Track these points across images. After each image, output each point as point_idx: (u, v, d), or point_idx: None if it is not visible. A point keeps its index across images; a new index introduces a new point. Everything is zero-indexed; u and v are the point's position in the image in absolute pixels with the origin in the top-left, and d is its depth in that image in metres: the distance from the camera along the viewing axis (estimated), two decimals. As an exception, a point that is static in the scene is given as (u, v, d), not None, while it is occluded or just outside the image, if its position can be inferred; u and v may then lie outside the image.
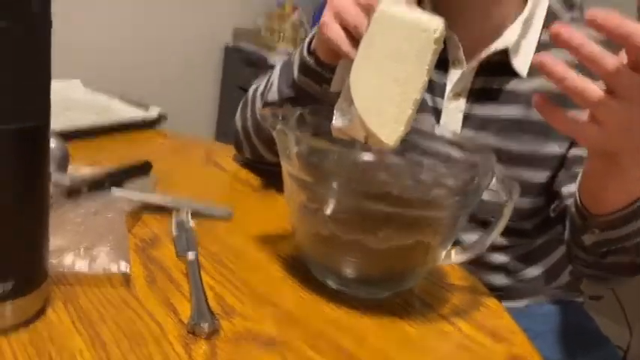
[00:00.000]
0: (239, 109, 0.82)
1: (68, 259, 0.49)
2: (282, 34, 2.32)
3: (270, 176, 0.78)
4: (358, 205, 0.50)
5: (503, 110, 0.76)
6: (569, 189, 0.74)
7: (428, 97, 0.79)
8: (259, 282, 0.53)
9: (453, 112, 0.78)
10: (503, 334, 0.52)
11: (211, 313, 0.46)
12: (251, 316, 0.48)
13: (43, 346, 0.40)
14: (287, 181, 0.55)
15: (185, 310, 0.46)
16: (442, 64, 0.78)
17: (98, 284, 0.49)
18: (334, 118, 0.55)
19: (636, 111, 0.48)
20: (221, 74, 2.45)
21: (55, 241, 0.45)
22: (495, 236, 0.54)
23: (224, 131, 2.26)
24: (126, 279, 0.50)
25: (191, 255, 0.54)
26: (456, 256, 0.56)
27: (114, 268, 0.49)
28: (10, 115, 0.36)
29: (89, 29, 2.04)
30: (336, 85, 0.60)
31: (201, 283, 0.50)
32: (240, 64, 2.32)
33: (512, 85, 0.75)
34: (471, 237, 0.72)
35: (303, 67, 0.69)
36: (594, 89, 0.47)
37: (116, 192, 0.62)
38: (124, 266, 0.50)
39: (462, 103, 0.77)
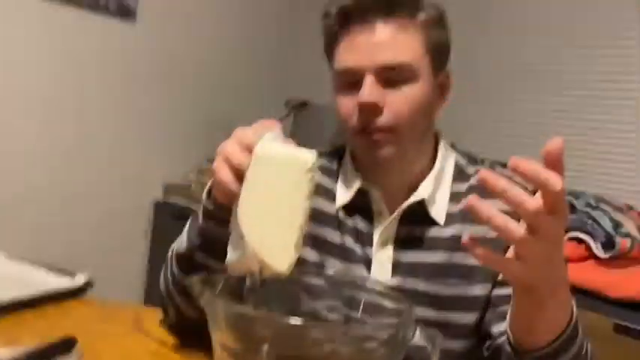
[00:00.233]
0: (162, 271, 0.82)
1: None
2: (212, 188, 2.36)
3: (198, 341, 0.76)
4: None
5: (427, 256, 0.81)
6: (499, 328, 0.77)
7: (358, 248, 0.84)
8: None
9: (383, 261, 0.82)
10: None
11: None
12: None
13: None
14: (217, 351, 0.55)
15: None
16: (368, 215, 0.85)
17: None
18: (228, 254, 0.58)
19: (554, 248, 0.54)
20: (151, 230, 2.43)
21: None
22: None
23: (154, 289, 2.19)
24: None
25: None
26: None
27: None
28: None
29: (5, 188, 2.00)
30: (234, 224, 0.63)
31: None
32: (171, 220, 2.32)
33: (433, 232, 0.82)
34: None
35: (206, 213, 0.72)
36: (518, 228, 0.53)
37: (36, 375, 0.59)
38: None
39: (389, 252, 0.82)
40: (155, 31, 2.30)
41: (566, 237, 1.33)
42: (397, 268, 0.82)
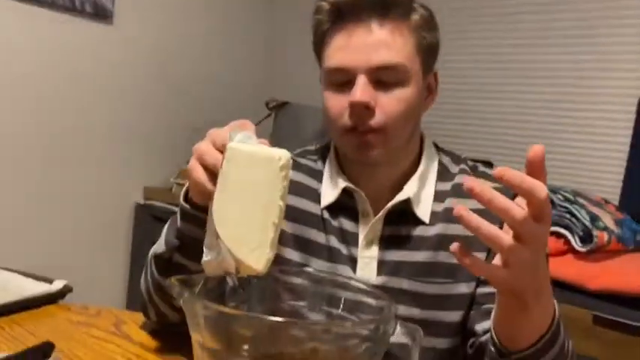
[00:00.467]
0: (142, 274, 0.82)
1: None
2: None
3: (179, 344, 0.76)
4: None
5: (412, 255, 0.82)
6: (483, 326, 0.78)
7: (343, 248, 0.84)
8: None
9: (368, 260, 0.82)
10: None
11: None
12: None
13: None
14: (197, 351, 0.54)
15: None
16: (353, 215, 0.85)
17: None
18: (204, 254, 0.58)
19: (539, 255, 0.55)
20: (132, 233, 2.42)
21: None
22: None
23: (136, 292, 2.17)
24: None
25: None
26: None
27: None
28: None
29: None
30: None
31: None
32: (152, 222, 2.31)
33: (418, 231, 0.82)
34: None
35: (183, 214, 0.72)
36: (505, 237, 0.53)
37: (13, 381, 0.58)
38: None
39: (374, 251, 0.82)
40: (133, 32, 2.28)
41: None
42: (382, 267, 0.82)
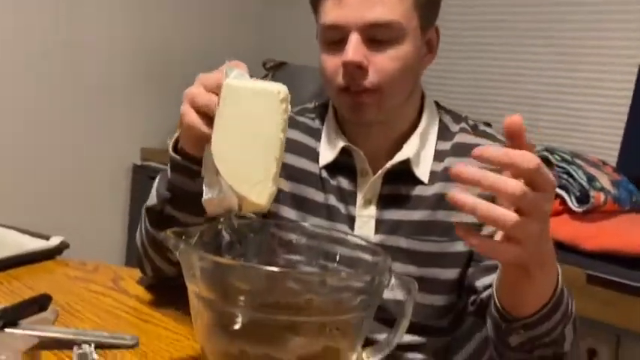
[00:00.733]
0: (137, 229, 0.82)
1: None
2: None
3: (176, 297, 0.76)
4: (267, 317, 0.51)
5: (410, 214, 0.81)
6: (483, 282, 0.78)
7: (341, 206, 0.84)
8: (169, 411, 0.51)
9: (366, 219, 0.82)
10: None
11: None
12: None
13: None
14: (193, 302, 0.55)
15: None
16: (351, 175, 0.84)
17: None
18: (204, 193, 0.57)
19: (542, 225, 0.52)
20: (130, 194, 2.42)
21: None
22: (402, 333, 0.56)
23: (134, 252, 2.19)
24: None
25: (94, 390, 0.51)
26: (367, 358, 0.57)
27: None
28: None
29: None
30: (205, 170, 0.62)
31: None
32: (149, 183, 2.31)
33: (417, 191, 0.82)
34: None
35: (174, 166, 0.71)
36: (508, 214, 0.50)
37: (10, 331, 0.59)
38: (17, 413, 0.46)
39: (372, 210, 0.82)
40: (127, -10, 2.24)
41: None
42: (380, 226, 0.82)
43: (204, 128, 0.60)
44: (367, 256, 0.63)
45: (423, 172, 0.82)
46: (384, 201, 0.82)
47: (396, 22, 0.75)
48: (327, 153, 0.86)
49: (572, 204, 1.32)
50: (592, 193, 1.30)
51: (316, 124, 0.89)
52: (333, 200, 0.85)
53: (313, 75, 2.09)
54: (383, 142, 0.83)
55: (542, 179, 0.51)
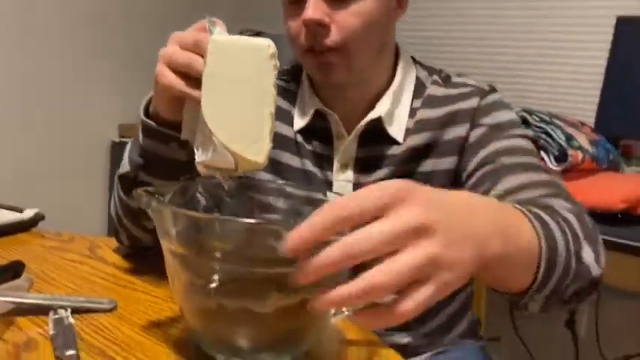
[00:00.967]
0: (111, 198, 0.80)
1: None
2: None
3: (153, 262, 0.76)
4: (244, 271, 0.50)
5: (386, 174, 0.80)
6: None
7: (318, 172, 0.82)
8: (148, 369, 0.51)
9: (343, 184, 0.81)
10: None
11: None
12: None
13: None
14: (169, 260, 0.54)
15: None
16: (326, 138, 0.83)
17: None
18: (196, 156, 0.56)
19: (449, 229, 0.40)
20: (109, 170, 2.40)
21: None
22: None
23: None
24: (-6, 388, 0.45)
25: (69, 353, 0.51)
26: (346, 310, 0.56)
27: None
28: None
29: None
30: (187, 132, 0.61)
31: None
32: (128, 159, 2.28)
33: (392, 150, 0.81)
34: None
35: (147, 131, 0.69)
36: (399, 267, 0.38)
37: (-17, 297, 0.58)
38: (-9, 375, 0.45)
39: (349, 175, 0.81)
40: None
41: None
42: (358, 188, 0.80)
43: (184, 88, 0.58)
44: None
45: (396, 130, 0.80)
46: (361, 164, 0.81)
47: None
48: (302, 117, 0.84)
49: (551, 163, 1.33)
50: (570, 152, 1.31)
51: (291, 86, 0.88)
52: (309, 165, 0.83)
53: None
54: (357, 102, 0.81)
55: (400, 197, 0.39)
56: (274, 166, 0.84)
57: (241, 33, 2.25)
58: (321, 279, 0.41)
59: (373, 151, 0.81)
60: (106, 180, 2.40)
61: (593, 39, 1.78)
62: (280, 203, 0.70)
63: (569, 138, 1.34)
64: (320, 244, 0.39)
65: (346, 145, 0.81)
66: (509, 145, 0.77)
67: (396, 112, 0.81)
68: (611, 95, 1.67)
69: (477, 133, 0.79)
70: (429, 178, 0.79)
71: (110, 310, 0.62)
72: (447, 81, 0.84)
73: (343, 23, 0.73)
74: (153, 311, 0.62)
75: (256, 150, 0.55)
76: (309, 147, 0.84)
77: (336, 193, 0.70)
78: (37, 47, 2.07)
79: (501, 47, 1.98)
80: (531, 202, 0.64)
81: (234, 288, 0.50)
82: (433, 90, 0.82)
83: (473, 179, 0.77)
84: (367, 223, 0.39)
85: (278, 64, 0.55)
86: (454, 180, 0.80)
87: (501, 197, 0.70)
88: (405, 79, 0.83)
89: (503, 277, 0.51)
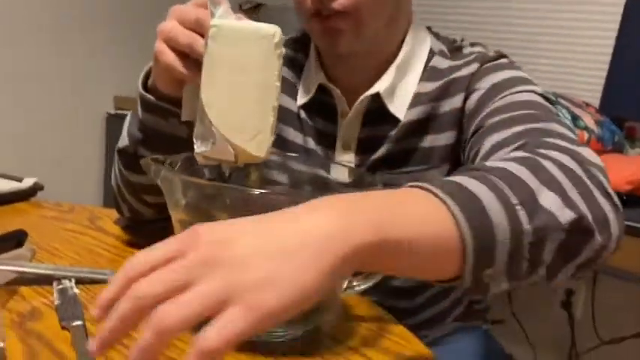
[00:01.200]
0: (112, 170, 0.78)
1: None
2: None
3: (155, 234, 0.74)
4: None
5: (383, 153, 0.76)
6: None
7: (319, 150, 0.79)
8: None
9: (342, 167, 0.77)
10: (414, 357, 0.51)
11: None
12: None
13: None
14: (177, 230, 0.52)
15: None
16: (330, 115, 0.78)
17: (-35, 369, 0.43)
18: (195, 146, 0.54)
19: (236, 259, 0.35)
20: (105, 143, 2.37)
21: None
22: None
23: (110, 202, 2.16)
24: (1, 357, 0.44)
25: (76, 323, 0.49)
26: (357, 286, 0.55)
27: (-16, 348, 0.44)
28: None
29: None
30: (187, 113, 0.58)
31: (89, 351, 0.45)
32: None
33: (393, 128, 0.75)
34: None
35: (145, 105, 0.66)
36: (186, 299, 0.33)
37: (-15, 266, 0.56)
38: (-4, 344, 0.44)
39: (351, 156, 0.77)
40: None
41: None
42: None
43: (183, 70, 0.56)
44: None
45: (398, 107, 0.74)
46: (364, 145, 0.76)
47: None
48: (305, 92, 0.79)
49: (556, 144, 1.32)
50: (576, 132, 1.29)
51: (299, 57, 0.82)
52: (311, 143, 0.79)
53: (293, 16, 2.03)
54: (361, 76, 0.76)
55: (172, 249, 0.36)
56: (278, 140, 0.80)
57: (240, 6, 2.20)
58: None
59: (375, 131, 0.76)
60: (102, 152, 2.37)
61: (603, 19, 1.76)
62: (285, 179, 0.69)
63: (575, 118, 1.32)
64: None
65: (349, 125, 0.76)
66: (503, 104, 0.65)
67: (400, 87, 0.75)
68: (617, 76, 1.66)
69: (472, 100, 0.71)
70: (428, 155, 0.75)
71: (115, 282, 0.60)
72: (456, 51, 0.77)
73: None
74: (159, 283, 0.61)
75: (258, 144, 0.52)
76: (311, 124, 0.79)
77: (343, 165, 0.68)
78: (31, 19, 2.02)
79: (507, 25, 1.96)
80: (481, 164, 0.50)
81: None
82: (437, 62, 0.76)
83: (465, 153, 0.70)
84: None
85: (284, 52, 0.52)
86: (454, 157, 0.75)
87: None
88: (414, 52, 0.77)
89: (411, 265, 0.41)
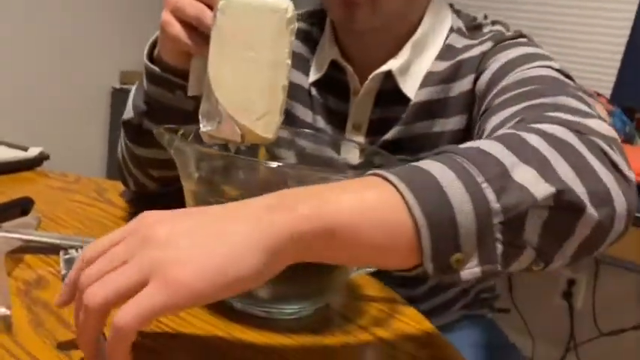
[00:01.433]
0: (118, 144, 0.76)
1: None
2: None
3: (163, 207, 0.73)
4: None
5: (393, 135, 0.74)
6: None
7: (329, 130, 0.77)
8: (165, 313, 0.49)
9: (354, 145, 0.75)
10: (425, 340, 0.51)
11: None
12: (158, 349, 0.43)
13: None
14: (189, 201, 0.51)
15: (79, 351, 0.41)
16: (343, 94, 0.76)
17: (-29, 334, 0.42)
18: (201, 125, 0.52)
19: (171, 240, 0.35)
20: (109, 116, 2.36)
21: None
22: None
23: (115, 174, 2.16)
24: (7, 324, 0.43)
25: (84, 292, 0.48)
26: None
27: (-9, 314, 0.43)
28: None
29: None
30: (193, 88, 0.56)
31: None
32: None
33: (404, 109, 0.73)
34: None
35: (151, 77, 0.64)
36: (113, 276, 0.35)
37: (-9, 232, 0.55)
38: (2, 310, 0.43)
39: (361, 138, 0.75)
40: None
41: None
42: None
43: (189, 42, 0.54)
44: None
45: (410, 87, 0.71)
46: (375, 126, 0.74)
47: None
48: (318, 69, 0.77)
49: (567, 132, 1.30)
50: (597, 105, 1.28)
51: (314, 31, 0.80)
52: (321, 122, 0.76)
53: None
54: (378, 54, 0.72)
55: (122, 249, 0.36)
56: (287, 117, 0.78)
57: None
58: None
59: (387, 112, 0.73)
60: (106, 126, 2.36)
61: (618, 7, 1.73)
62: (293, 159, 0.67)
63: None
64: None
65: (360, 104, 0.74)
66: (512, 81, 0.60)
67: (415, 65, 0.72)
68: (630, 68, 1.64)
69: (482, 80, 0.67)
70: (438, 140, 0.72)
71: (122, 253, 0.59)
72: (474, 30, 0.74)
73: None
74: (166, 256, 0.60)
75: (265, 124, 0.50)
76: (322, 102, 0.77)
77: (352, 142, 0.67)
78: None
79: (518, 12, 1.93)
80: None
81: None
82: (453, 39, 0.73)
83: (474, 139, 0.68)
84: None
85: (296, 28, 0.50)
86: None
87: None
88: (434, 29, 0.73)
89: (360, 254, 0.39)
